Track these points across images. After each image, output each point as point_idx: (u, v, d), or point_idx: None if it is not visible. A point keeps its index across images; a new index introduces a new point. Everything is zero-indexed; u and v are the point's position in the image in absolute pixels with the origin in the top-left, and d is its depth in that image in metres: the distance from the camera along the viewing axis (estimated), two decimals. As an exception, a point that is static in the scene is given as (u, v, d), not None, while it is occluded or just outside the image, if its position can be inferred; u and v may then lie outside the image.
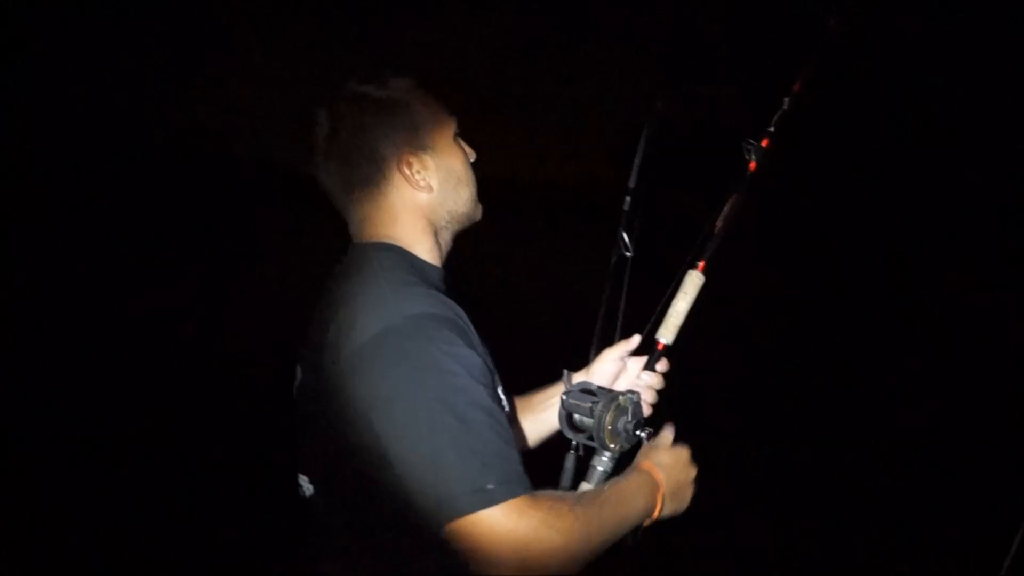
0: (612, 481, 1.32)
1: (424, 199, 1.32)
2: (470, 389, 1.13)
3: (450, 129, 1.36)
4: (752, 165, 1.49)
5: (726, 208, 1.48)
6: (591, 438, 1.37)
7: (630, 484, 1.29)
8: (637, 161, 1.68)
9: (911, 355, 7.38)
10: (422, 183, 1.31)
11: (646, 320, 1.54)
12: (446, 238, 1.38)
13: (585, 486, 1.39)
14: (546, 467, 1.45)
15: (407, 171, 1.30)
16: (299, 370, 1.33)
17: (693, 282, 1.50)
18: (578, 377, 1.54)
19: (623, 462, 1.39)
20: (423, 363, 1.13)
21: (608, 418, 1.35)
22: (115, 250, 11.70)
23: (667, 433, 1.38)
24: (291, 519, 1.34)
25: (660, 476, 1.30)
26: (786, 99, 1.48)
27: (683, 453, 1.36)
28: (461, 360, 1.15)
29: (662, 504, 1.29)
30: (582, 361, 1.60)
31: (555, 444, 1.50)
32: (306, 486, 1.30)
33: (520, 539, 1.07)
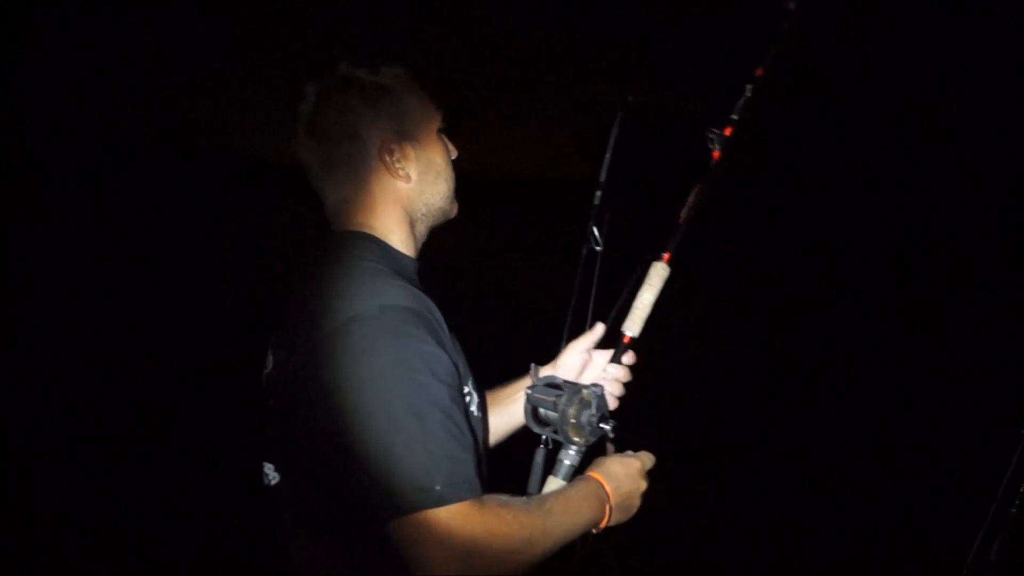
0: (561, 489, 1.32)
1: (402, 188, 1.32)
2: (431, 388, 1.13)
3: (435, 123, 1.36)
4: (716, 154, 1.48)
5: (690, 198, 1.47)
6: (556, 432, 1.37)
7: (578, 493, 1.28)
8: (608, 155, 1.67)
9: (911, 355, 7.34)
10: (401, 172, 1.31)
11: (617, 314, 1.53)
12: (421, 230, 1.37)
13: (553, 480, 1.38)
14: (516, 461, 1.45)
15: (387, 158, 1.29)
16: (270, 357, 1.33)
17: (658, 273, 1.49)
18: (545, 371, 1.54)
19: (590, 456, 1.38)
20: (388, 356, 1.12)
21: (572, 412, 1.34)
22: (110, 247, 11.72)
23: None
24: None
25: (609, 488, 1.30)
26: (748, 86, 1.47)
27: (635, 464, 1.36)
28: (426, 357, 1.14)
29: (609, 515, 1.29)
30: (553, 355, 1.59)
31: (526, 438, 1.49)
32: (271, 474, 1.30)
33: (461, 543, 1.06)
